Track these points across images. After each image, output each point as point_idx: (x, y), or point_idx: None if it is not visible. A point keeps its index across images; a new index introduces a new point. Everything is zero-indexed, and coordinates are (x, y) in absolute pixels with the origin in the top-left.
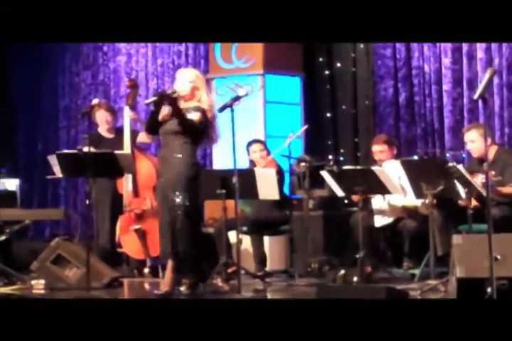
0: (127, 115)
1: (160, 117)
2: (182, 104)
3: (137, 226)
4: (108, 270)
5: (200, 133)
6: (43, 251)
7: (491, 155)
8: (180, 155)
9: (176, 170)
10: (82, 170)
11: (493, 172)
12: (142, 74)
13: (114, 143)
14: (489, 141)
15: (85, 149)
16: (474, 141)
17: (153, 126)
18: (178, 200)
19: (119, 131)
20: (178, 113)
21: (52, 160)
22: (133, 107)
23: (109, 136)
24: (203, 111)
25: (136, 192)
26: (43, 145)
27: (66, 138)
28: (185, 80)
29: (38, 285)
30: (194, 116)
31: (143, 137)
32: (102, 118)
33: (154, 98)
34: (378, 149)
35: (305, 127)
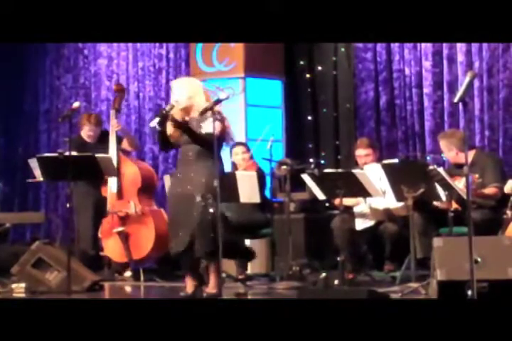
0: (114, 120)
1: (169, 133)
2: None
3: (120, 229)
4: (89, 273)
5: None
6: (24, 255)
7: (469, 159)
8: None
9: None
10: (63, 174)
11: (476, 175)
12: (123, 77)
13: (97, 148)
14: (455, 150)
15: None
16: (443, 150)
17: (166, 144)
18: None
19: (103, 135)
20: (183, 129)
21: (33, 163)
22: (119, 111)
23: (93, 141)
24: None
25: (120, 194)
26: (23, 149)
27: (47, 142)
28: (179, 93)
29: (19, 289)
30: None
31: (125, 144)
32: (90, 133)
33: (157, 119)
34: (363, 153)
35: (267, 128)
